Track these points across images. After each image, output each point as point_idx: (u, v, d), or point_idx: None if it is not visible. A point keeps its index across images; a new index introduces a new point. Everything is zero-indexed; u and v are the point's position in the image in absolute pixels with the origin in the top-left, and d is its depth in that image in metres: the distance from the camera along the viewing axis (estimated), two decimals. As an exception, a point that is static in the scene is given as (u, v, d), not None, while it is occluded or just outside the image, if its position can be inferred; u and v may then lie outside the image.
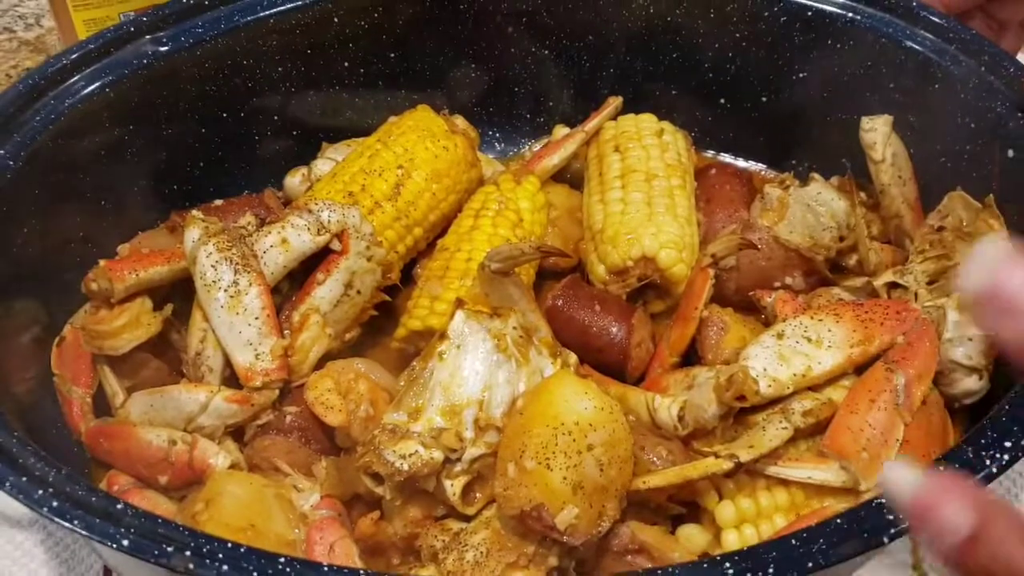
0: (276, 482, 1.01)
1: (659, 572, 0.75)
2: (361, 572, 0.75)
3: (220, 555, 0.74)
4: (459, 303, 1.00)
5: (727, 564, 0.74)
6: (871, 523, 0.76)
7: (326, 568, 0.76)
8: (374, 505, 0.99)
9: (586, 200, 1.26)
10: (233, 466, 1.02)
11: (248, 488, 0.98)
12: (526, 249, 1.02)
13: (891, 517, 0.76)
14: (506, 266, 1.03)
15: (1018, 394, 0.86)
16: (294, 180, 1.31)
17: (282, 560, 0.75)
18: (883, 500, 0.79)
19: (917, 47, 1.20)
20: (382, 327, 1.18)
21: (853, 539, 0.75)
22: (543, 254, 1.01)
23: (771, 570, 0.73)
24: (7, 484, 0.77)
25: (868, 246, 1.18)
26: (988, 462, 0.80)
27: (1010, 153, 1.11)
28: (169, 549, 0.74)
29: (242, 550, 0.75)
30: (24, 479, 0.78)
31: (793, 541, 0.76)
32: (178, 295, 1.12)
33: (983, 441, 0.83)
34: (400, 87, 1.36)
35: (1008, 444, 0.82)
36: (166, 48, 1.16)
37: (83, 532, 0.75)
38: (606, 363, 1.13)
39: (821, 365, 1.03)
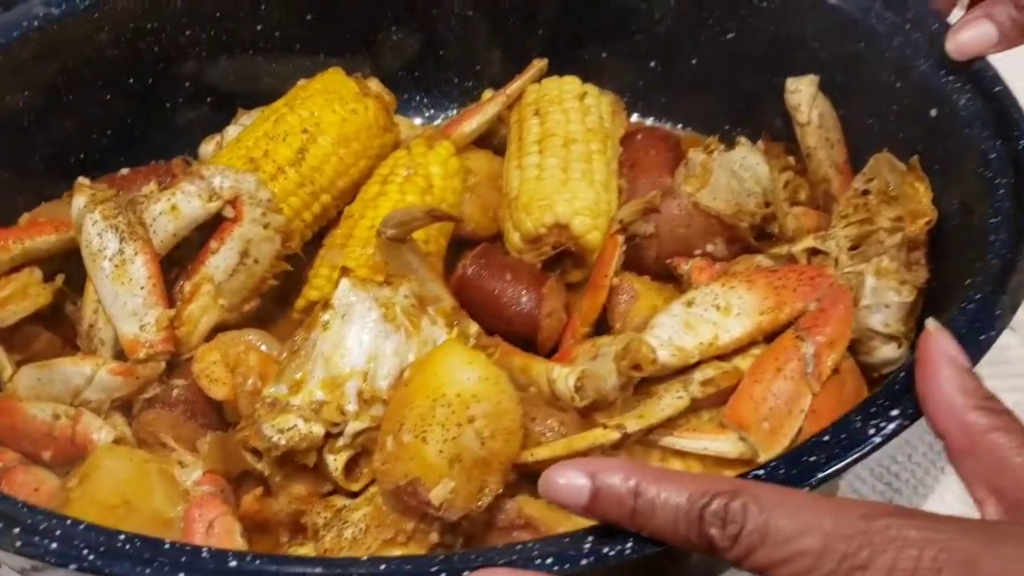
0: (162, 457, 0.97)
1: (518, 547, 0.71)
2: (203, 549, 0.72)
3: (56, 532, 0.71)
4: (344, 271, 0.97)
5: (589, 538, 0.71)
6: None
7: (167, 545, 0.72)
8: (262, 481, 0.96)
9: (505, 166, 1.22)
10: (118, 441, 0.99)
11: (127, 464, 0.94)
12: (418, 214, 0.98)
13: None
14: (400, 232, 0.99)
15: (910, 366, 0.82)
16: (208, 148, 1.27)
17: (122, 536, 0.72)
18: (760, 472, 0.75)
19: (841, 4, 1.15)
20: (289, 297, 1.14)
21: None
22: (434, 218, 0.97)
23: (630, 544, 0.69)
24: None
25: (786, 211, 1.14)
26: (872, 431, 0.76)
27: (933, 112, 1.07)
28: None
29: (80, 527, 0.72)
30: None
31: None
32: (74, 264, 1.09)
33: (872, 410, 0.79)
34: (320, 51, 1.31)
35: (895, 413, 0.78)
36: (59, 10, 1.12)
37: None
38: (517, 333, 1.09)
39: (729, 333, 0.99)
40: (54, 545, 0.69)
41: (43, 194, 1.19)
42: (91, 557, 0.69)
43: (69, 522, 0.72)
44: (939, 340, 0.78)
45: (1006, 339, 1.23)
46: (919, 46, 1.10)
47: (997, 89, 1.03)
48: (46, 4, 1.12)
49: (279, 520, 0.95)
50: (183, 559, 0.70)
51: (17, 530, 0.70)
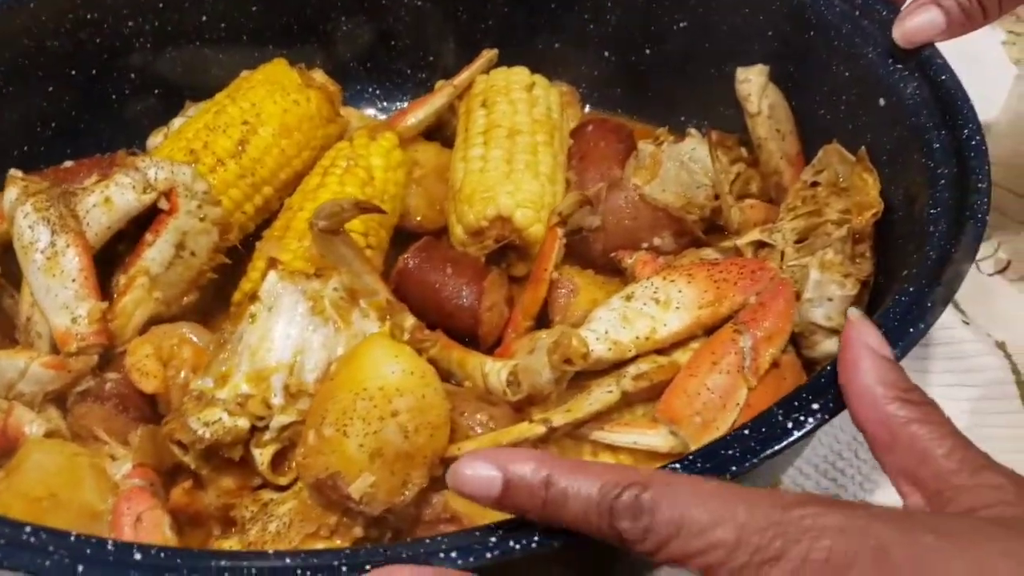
0: (93, 451, 0.96)
1: (425, 542, 0.70)
2: (108, 542, 0.70)
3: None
4: (272, 262, 0.96)
5: (497, 531, 0.70)
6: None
7: (73, 538, 0.71)
8: (194, 475, 0.95)
9: (452, 158, 1.21)
10: (51, 434, 0.98)
11: (57, 457, 0.93)
12: (347, 205, 0.97)
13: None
14: (331, 223, 0.97)
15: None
16: (157, 140, 1.26)
17: (27, 529, 0.70)
18: (676, 466, 0.74)
19: (791, -10, 1.14)
20: (230, 290, 1.13)
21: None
22: (361, 209, 0.96)
23: (536, 537, 0.68)
24: None
25: (731, 203, 1.12)
26: (791, 425, 0.75)
27: (881, 101, 1.05)
28: None
29: None
30: None
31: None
32: (12, 258, 1.08)
33: (794, 403, 0.77)
34: (268, 42, 1.30)
35: (816, 407, 0.76)
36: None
37: None
38: (458, 328, 1.08)
39: (667, 327, 0.98)
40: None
41: (-14, 186, 1.17)
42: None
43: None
44: (861, 330, 0.76)
45: (960, 332, 1.23)
46: (868, 34, 1.08)
47: (943, 77, 1.01)
48: (-15, -6, 1.10)
49: (209, 514, 0.94)
50: (87, 551, 0.69)
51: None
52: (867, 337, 0.76)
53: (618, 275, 1.14)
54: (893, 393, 0.72)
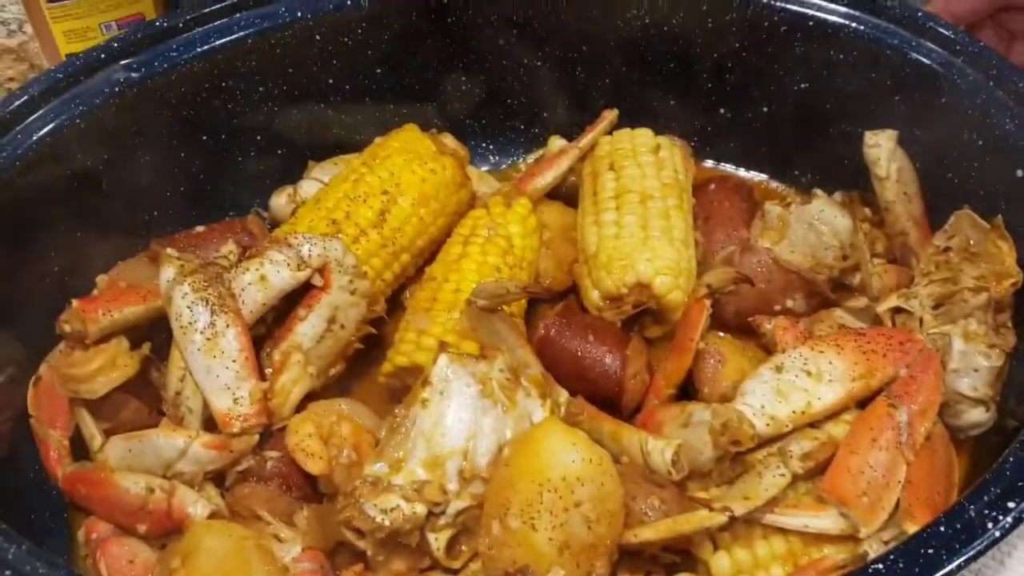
0: (257, 531, 0.98)
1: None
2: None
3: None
4: (443, 346, 0.97)
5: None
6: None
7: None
8: (359, 553, 0.97)
9: (580, 221, 1.22)
10: (213, 515, 0.99)
11: (226, 541, 0.95)
12: (512, 288, 0.99)
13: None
14: (493, 303, 0.99)
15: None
16: (280, 200, 1.28)
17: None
18: (880, 567, 0.75)
19: (923, 59, 1.15)
20: (370, 358, 1.15)
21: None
22: (529, 294, 0.97)
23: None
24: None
25: (871, 271, 1.14)
26: (990, 524, 0.77)
27: (1019, 173, 1.06)
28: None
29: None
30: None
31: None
32: (157, 330, 1.09)
33: (985, 498, 0.79)
34: (389, 101, 1.32)
35: (1012, 504, 0.78)
36: (139, 74, 1.13)
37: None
38: (600, 394, 1.09)
39: (821, 401, 0.99)
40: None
41: (118, 252, 1.19)
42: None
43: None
44: None
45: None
46: (1003, 104, 1.10)
47: (1086, 155, 1.03)
48: (126, 68, 1.12)
49: (378, 595, 0.95)
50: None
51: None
52: None
53: (750, 336, 1.15)
54: None
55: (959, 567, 0.75)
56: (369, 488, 0.92)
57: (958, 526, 0.78)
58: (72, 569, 0.78)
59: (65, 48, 1.48)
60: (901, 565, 0.76)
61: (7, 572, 0.74)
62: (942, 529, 0.78)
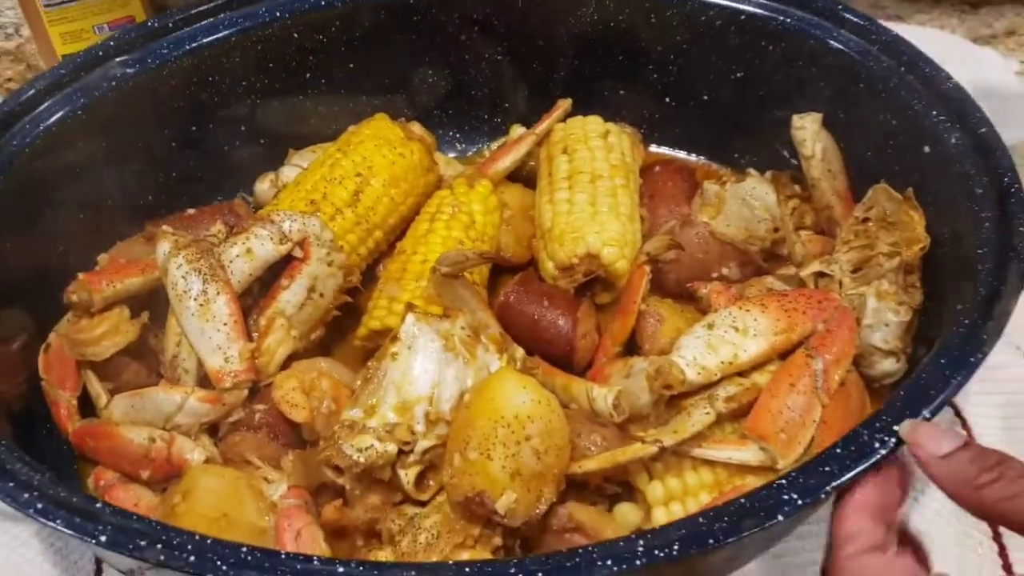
0: (248, 474, 1.09)
1: (580, 551, 0.84)
2: (315, 558, 0.84)
3: (188, 547, 0.83)
4: (409, 306, 1.09)
5: (640, 542, 0.83)
6: (768, 503, 0.85)
7: (283, 555, 0.85)
8: (339, 493, 1.08)
9: (537, 200, 1.34)
10: (208, 460, 1.11)
11: (221, 481, 1.06)
12: (471, 255, 1.11)
13: (786, 497, 0.86)
14: (455, 270, 1.11)
15: (912, 380, 0.95)
16: (263, 186, 1.39)
17: (244, 549, 0.84)
18: (783, 482, 0.88)
19: (842, 47, 1.27)
20: (346, 325, 1.26)
21: (750, 518, 0.84)
22: (486, 259, 1.10)
23: (676, 547, 0.82)
24: (-5, 489, 0.86)
25: (794, 239, 1.26)
26: (877, 444, 0.89)
27: (926, 148, 1.19)
28: (143, 543, 0.83)
29: (208, 541, 0.84)
30: (11, 484, 0.87)
31: (699, 519, 0.85)
32: (155, 301, 1.20)
33: (877, 424, 0.91)
34: (362, 93, 1.43)
35: (896, 428, 0.90)
36: (133, 70, 1.24)
37: (66, 531, 0.84)
38: (555, 354, 1.21)
39: (747, 352, 1.11)
40: (192, 558, 0.82)
41: (116, 233, 1.30)
42: (223, 568, 0.81)
43: (198, 537, 0.85)
44: (920, 441, 0.87)
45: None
46: (913, 88, 1.22)
47: (983, 130, 1.15)
48: (122, 64, 1.23)
49: (355, 527, 1.07)
50: (298, 566, 0.83)
51: (159, 546, 0.82)
52: (930, 446, 0.86)
53: (692, 302, 1.27)
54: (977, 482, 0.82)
55: (850, 479, 0.87)
56: (346, 431, 1.04)
57: (852, 447, 0.90)
58: (87, 495, 0.89)
59: (61, 49, 1.59)
60: (801, 480, 0.88)
61: (35, 493, 0.86)
62: (838, 450, 0.90)
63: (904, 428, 0.89)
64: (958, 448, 0.84)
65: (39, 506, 0.86)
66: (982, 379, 1.33)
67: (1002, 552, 1.16)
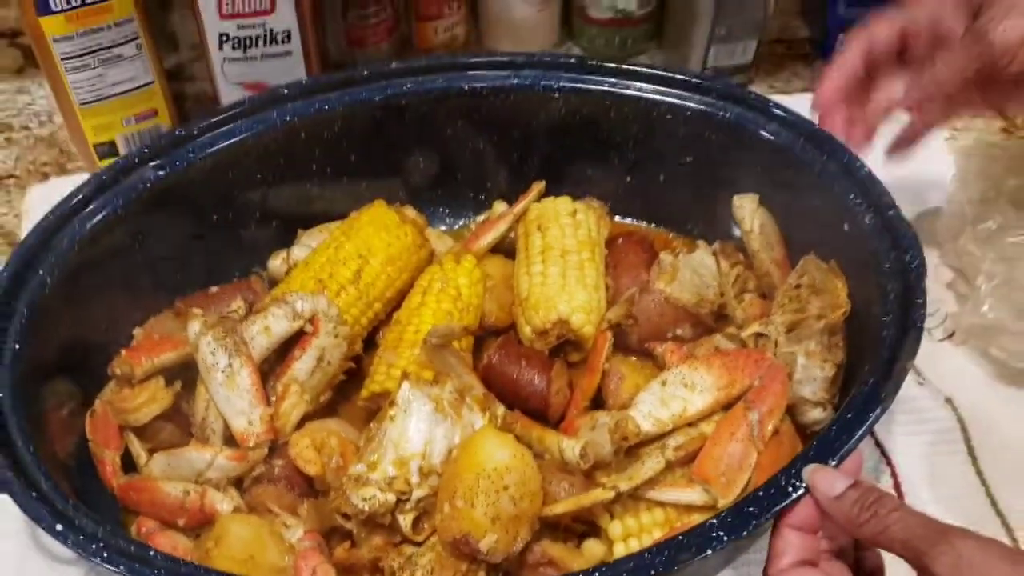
0: (269, 521, 1.27)
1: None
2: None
3: (227, 585, 1.03)
4: (404, 375, 1.28)
5: (596, 574, 1.03)
6: (699, 540, 1.04)
7: (305, 591, 1.04)
8: (347, 535, 1.26)
9: (516, 271, 1.53)
10: (235, 510, 1.28)
11: (248, 527, 1.24)
12: (457, 330, 1.31)
13: (715, 535, 1.05)
14: (443, 341, 1.31)
15: (823, 433, 1.14)
16: (276, 262, 1.58)
17: (272, 587, 1.03)
18: (713, 522, 1.07)
19: (772, 137, 1.47)
20: (350, 387, 1.45)
21: (685, 551, 1.03)
22: (470, 333, 1.29)
23: (625, 576, 1.01)
24: (69, 541, 1.05)
25: (735, 305, 1.45)
26: (790, 489, 1.08)
27: (846, 226, 1.38)
28: (190, 584, 1.02)
29: (242, 581, 1.03)
30: (81, 537, 1.06)
31: (644, 554, 1.04)
32: (185, 372, 1.39)
33: (792, 471, 1.10)
34: (362, 178, 1.62)
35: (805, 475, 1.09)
36: (163, 172, 1.43)
37: (128, 575, 1.03)
38: (532, 408, 1.39)
39: (694, 406, 1.29)
40: (230, 596, 1.01)
41: (149, 309, 1.49)
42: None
43: (234, 578, 1.04)
44: (820, 484, 1.04)
45: (916, 391, 1.55)
46: (833, 174, 1.40)
47: (891, 212, 1.33)
48: (155, 168, 1.42)
49: (362, 565, 1.25)
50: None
51: (203, 586, 1.02)
52: (824, 488, 1.03)
53: (650, 359, 1.46)
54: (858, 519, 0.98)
55: (768, 518, 1.07)
56: (353, 483, 1.23)
57: (772, 491, 1.09)
58: (141, 543, 1.09)
59: (93, 139, 1.78)
60: (728, 519, 1.07)
61: (101, 544, 1.05)
62: (760, 493, 1.09)
63: (806, 473, 1.07)
64: (847, 488, 1.03)
65: (105, 555, 1.04)
66: (911, 422, 1.53)
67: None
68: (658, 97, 1.52)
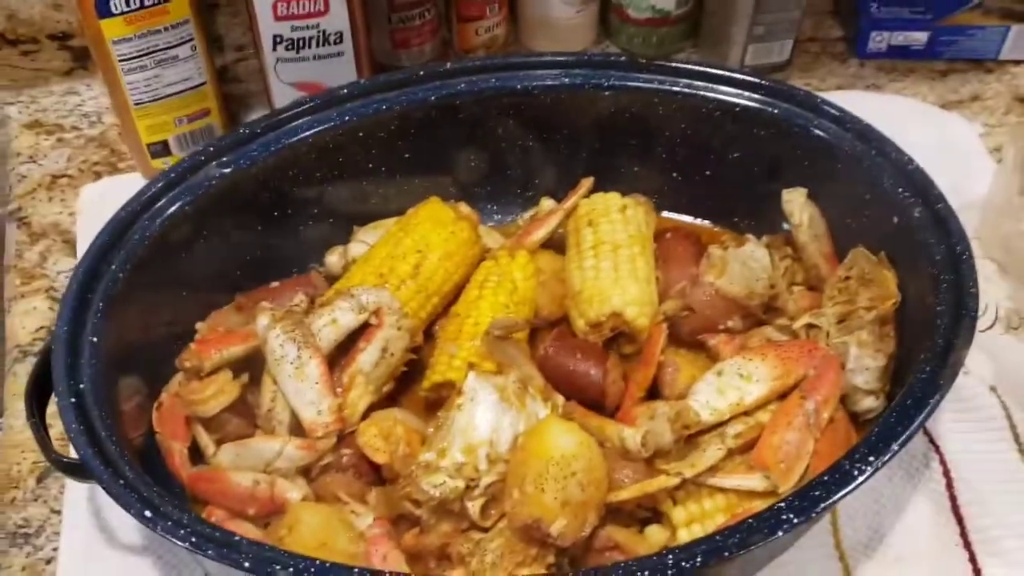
0: (338, 509, 1.30)
1: (621, 565, 1.06)
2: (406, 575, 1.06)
3: (312, 569, 1.06)
4: (471, 366, 1.32)
5: (669, 556, 1.06)
6: (771, 523, 1.08)
7: (388, 573, 1.07)
8: (415, 522, 1.29)
9: (567, 266, 1.57)
10: (304, 498, 1.31)
11: (318, 515, 1.27)
12: (519, 322, 1.34)
13: (785, 517, 1.08)
14: (505, 333, 1.34)
15: (883, 420, 1.18)
16: (333, 258, 1.62)
17: (356, 570, 1.07)
18: (782, 505, 1.10)
19: (822, 134, 1.49)
20: (412, 378, 1.49)
21: (757, 534, 1.06)
22: (530, 325, 1.32)
23: (699, 560, 1.04)
24: (159, 527, 1.09)
25: (787, 296, 1.49)
26: (856, 473, 1.11)
27: (895, 219, 1.42)
28: (278, 568, 1.05)
29: (327, 564, 1.06)
30: (170, 523, 1.10)
31: (716, 537, 1.07)
32: (250, 364, 1.43)
33: (856, 456, 1.14)
34: (415, 176, 1.65)
35: (872, 458, 1.13)
36: (229, 170, 1.47)
37: (216, 559, 1.06)
38: (588, 399, 1.42)
39: (751, 395, 1.32)
40: (314, 578, 1.04)
41: (211, 304, 1.52)
42: (340, 585, 1.04)
43: (318, 562, 1.07)
44: None
45: (961, 380, 1.58)
46: (882, 167, 1.44)
47: (939, 205, 1.37)
48: (219, 166, 1.46)
49: (430, 551, 1.28)
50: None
51: (291, 569, 1.05)
52: None
53: (703, 351, 1.50)
54: None
55: (833, 502, 1.10)
56: (423, 470, 1.26)
57: (836, 475, 1.12)
58: (227, 530, 1.12)
59: (147, 138, 1.82)
60: (796, 503, 1.10)
61: (189, 530, 1.09)
62: (825, 478, 1.13)
63: None
64: None
65: (193, 540, 1.08)
66: (954, 411, 1.56)
67: (972, 559, 1.38)
68: (707, 94, 1.56)
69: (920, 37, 2.05)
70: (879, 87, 2.03)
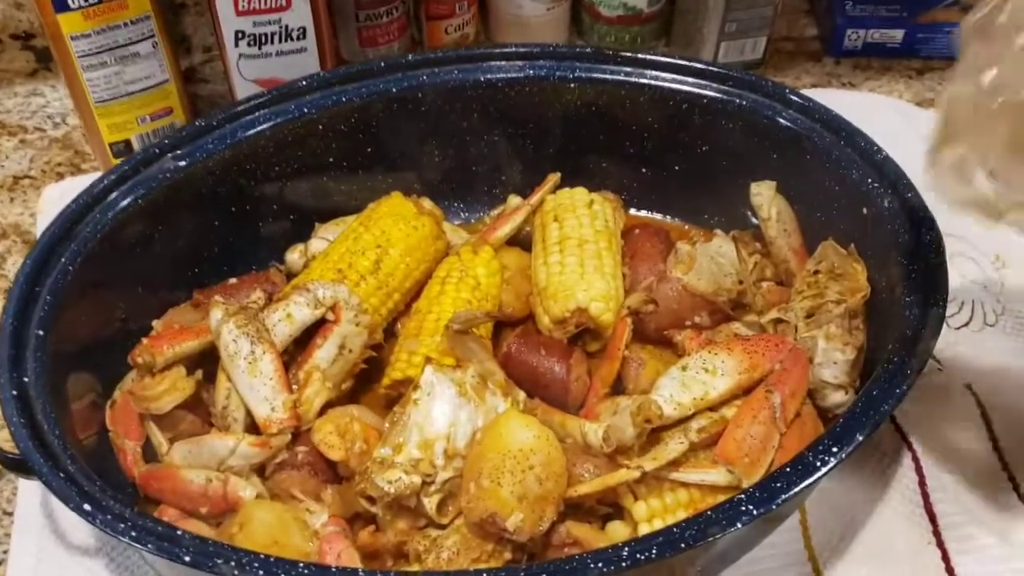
0: (293, 507, 1.27)
1: (575, 557, 1.03)
2: (360, 571, 1.03)
3: (256, 564, 1.02)
4: (428, 360, 1.28)
5: (624, 548, 1.02)
6: (729, 514, 1.04)
7: (334, 569, 1.04)
8: (371, 520, 1.26)
9: (533, 262, 1.54)
10: (258, 496, 1.28)
11: (271, 513, 1.24)
12: (479, 315, 1.31)
13: (744, 509, 1.05)
14: (465, 327, 1.31)
15: (849, 410, 1.15)
16: (293, 256, 1.58)
17: (301, 565, 1.03)
18: (742, 496, 1.07)
19: (789, 124, 1.47)
20: (371, 375, 1.45)
21: (715, 526, 1.03)
22: (492, 318, 1.29)
23: (654, 552, 1.01)
24: (98, 521, 1.05)
25: (754, 291, 1.46)
26: (818, 463, 1.08)
27: (864, 211, 1.39)
28: (219, 561, 1.02)
29: (272, 559, 1.03)
30: (109, 517, 1.06)
31: (673, 528, 1.04)
32: (205, 360, 1.40)
33: (819, 448, 1.11)
34: (377, 172, 1.62)
35: (835, 450, 1.10)
36: (184, 163, 1.44)
37: (156, 553, 1.02)
38: (552, 396, 1.40)
39: (716, 390, 1.29)
40: (260, 572, 1.00)
41: (167, 301, 1.49)
42: (286, 579, 1.00)
43: (263, 556, 1.04)
44: None
45: (936, 377, 1.56)
46: (851, 159, 1.42)
47: (909, 195, 1.34)
48: (175, 159, 1.43)
49: (386, 549, 1.25)
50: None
51: (232, 563, 1.01)
52: None
53: (669, 347, 1.46)
54: None
55: (795, 494, 1.07)
56: (378, 466, 1.23)
57: (799, 467, 1.09)
58: (169, 523, 1.08)
59: (108, 137, 1.79)
60: (757, 493, 1.07)
61: (129, 524, 1.05)
62: (787, 470, 1.10)
63: None
64: None
65: (133, 534, 1.04)
66: (928, 408, 1.53)
67: (944, 556, 1.35)
68: (674, 86, 1.53)
69: (896, 35, 2.03)
70: (854, 85, 2.02)
